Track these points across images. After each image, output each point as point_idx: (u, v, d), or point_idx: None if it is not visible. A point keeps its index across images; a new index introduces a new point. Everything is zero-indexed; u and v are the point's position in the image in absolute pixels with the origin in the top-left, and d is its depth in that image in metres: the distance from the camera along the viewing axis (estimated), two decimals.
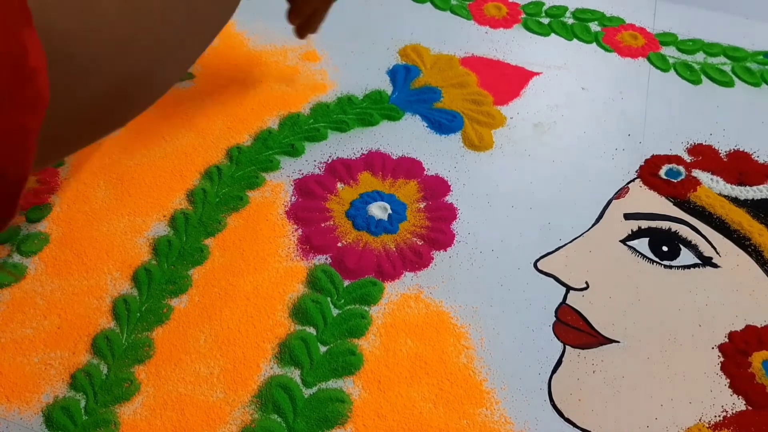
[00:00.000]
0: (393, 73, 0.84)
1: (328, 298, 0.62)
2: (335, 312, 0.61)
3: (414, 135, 0.77)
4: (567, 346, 0.59)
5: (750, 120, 0.80)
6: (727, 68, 0.87)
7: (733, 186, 0.72)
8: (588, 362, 0.59)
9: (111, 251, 0.65)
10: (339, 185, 0.71)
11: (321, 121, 0.78)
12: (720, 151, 0.76)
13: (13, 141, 0.28)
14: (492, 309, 0.62)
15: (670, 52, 0.89)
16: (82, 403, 0.54)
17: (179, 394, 0.55)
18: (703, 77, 0.86)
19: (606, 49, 0.89)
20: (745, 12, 0.96)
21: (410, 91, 0.82)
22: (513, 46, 0.90)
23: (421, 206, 0.70)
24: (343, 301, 0.62)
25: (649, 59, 0.88)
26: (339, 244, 0.66)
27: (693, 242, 0.67)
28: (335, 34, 0.89)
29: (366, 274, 0.64)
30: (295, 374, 0.57)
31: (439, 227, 0.68)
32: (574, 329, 0.60)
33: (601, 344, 0.60)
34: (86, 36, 0.31)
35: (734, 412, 0.56)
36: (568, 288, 0.63)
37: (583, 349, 0.59)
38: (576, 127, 0.79)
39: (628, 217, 0.69)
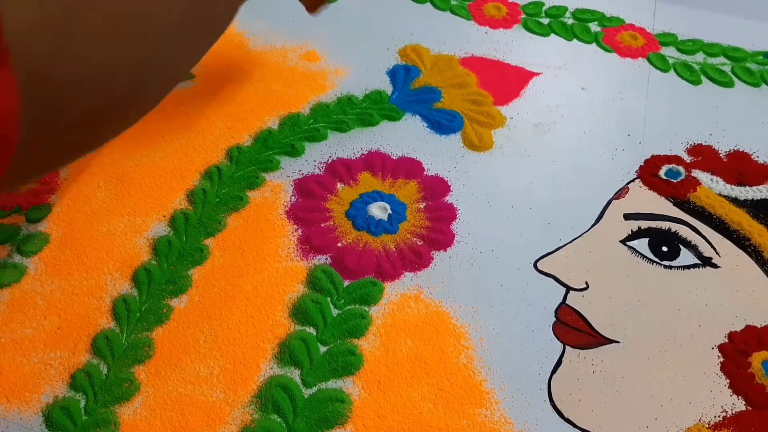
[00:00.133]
0: (393, 74, 0.84)
1: (328, 298, 0.62)
2: (335, 312, 0.61)
3: (414, 135, 0.77)
4: (567, 347, 0.59)
5: (750, 120, 0.80)
6: (727, 68, 0.87)
7: (733, 186, 0.72)
8: (588, 362, 0.59)
9: (111, 251, 0.65)
10: (339, 185, 0.71)
11: (321, 121, 0.78)
12: (720, 152, 0.76)
13: None
14: (492, 309, 0.62)
15: (669, 52, 0.89)
16: (82, 403, 0.54)
17: (179, 395, 0.55)
18: (702, 77, 0.86)
19: (606, 50, 0.90)
20: (745, 12, 0.96)
21: (410, 92, 0.82)
22: (513, 46, 0.90)
23: (421, 206, 0.70)
24: (343, 301, 0.62)
25: (648, 59, 0.88)
26: (339, 245, 0.66)
27: (693, 242, 0.67)
28: (335, 35, 0.89)
29: (366, 274, 0.64)
30: (295, 374, 0.57)
31: (439, 227, 0.68)
32: (574, 329, 0.60)
33: (601, 344, 0.60)
34: (67, 59, 0.29)
35: (734, 412, 0.56)
36: (568, 288, 0.63)
37: (583, 349, 0.59)
38: (576, 128, 0.79)
39: (627, 217, 0.69)
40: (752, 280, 0.65)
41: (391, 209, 0.68)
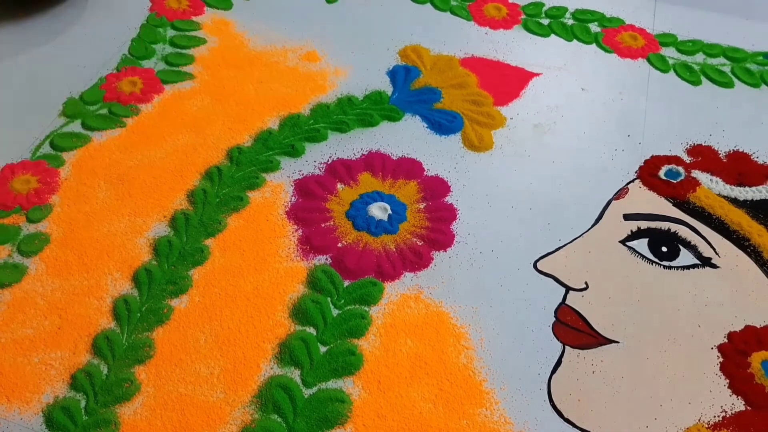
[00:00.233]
0: (393, 74, 0.84)
1: (328, 299, 0.62)
2: (335, 312, 0.61)
3: (414, 136, 0.77)
4: (566, 347, 0.60)
5: (749, 121, 0.81)
6: (727, 69, 0.87)
7: (733, 187, 0.72)
8: (587, 362, 0.59)
9: (111, 251, 0.65)
10: (339, 186, 0.71)
11: (321, 121, 0.78)
12: (719, 152, 0.76)
13: None
14: (492, 309, 0.62)
15: (669, 52, 0.89)
16: (83, 403, 0.54)
17: (179, 394, 0.55)
18: (702, 78, 0.86)
19: (606, 50, 0.90)
20: (745, 13, 0.96)
21: (410, 92, 0.82)
22: (513, 46, 0.90)
23: (421, 207, 0.70)
24: (343, 301, 0.62)
25: (648, 60, 0.88)
26: (339, 245, 0.66)
27: (692, 243, 0.67)
28: (335, 35, 0.89)
29: (366, 274, 0.64)
30: (295, 374, 0.57)
31: (439, 228, 0.68)
32: (574, 329, 0.61)
33: (601, 344, 0.60)
34: None
35: (733, 412, 0.56)
36: (568, 288, 0.63)
37: (582, 349, 0.60)
38: (576, 128, 0.79)
39: (627, 217, 0.69)
40: (752, 281, 0.65)
41: (391, 209, 0.68)
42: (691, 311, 0.62)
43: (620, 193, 0.72)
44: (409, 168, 0.73)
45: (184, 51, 0.86)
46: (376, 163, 0.74)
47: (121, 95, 0.79)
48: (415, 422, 0.54)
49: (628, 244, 0.67)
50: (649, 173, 0.73)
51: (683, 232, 0.67)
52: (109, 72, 0.82)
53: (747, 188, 0.72)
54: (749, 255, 0.66)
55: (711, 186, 0.72)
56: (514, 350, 0.59)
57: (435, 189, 0.71)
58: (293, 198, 0.70)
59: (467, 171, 0.74)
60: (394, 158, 0.74)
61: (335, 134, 0.77)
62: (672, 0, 0.97)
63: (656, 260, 0.66)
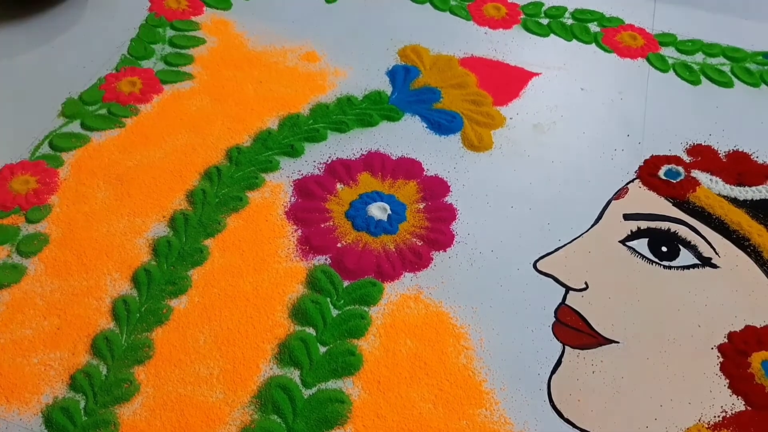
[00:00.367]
0: (392, 74, 0.84)
1: (328, 299, 0.62)
2: (335, 312, 0.61)
3: (413, 135, 0.77)
4: (566, 347, 0.60)
5: (749, 120, 0.81)
6: (727, 69, 0.87)
7: (732, 186, 0.72)
8: (587, 363, 0.59)
9: (111, 252, 0.65)
10: (338, 186, 0.71)
11: (320, 121, 0.78)
12: (719, 152, 0.76)
13: None
14: (491, 309, 0.62)
15: (669, 52, 0.89)
16: (82, 404, 0.54)
17: (179, 395, 0.55)
18: (702, 78, 0.86)
19: (605, 50, 0.90)
20: (744, 13, 0.96)
21: (410, 92, 0.82)
22: (512, 46, 0.90)
23: (421, 207, 0.70)
24: (342, 301, 0.62)
25: (648, 60, 0.88)
26: (338, 245, 0.66)
27: (692, 243, 0.67)
28: (335, 35, 0.89)
29: (365, 274, 0.64)
30: (294, 375, 0.57)
31: (439, 228, 0.68)
32: (574, 330, 0.61)
33: (601, 345, 0.60)
34: None
35: (734, 412, 0.56)
36: (568, 288, 0.63)
37: (582, 349, 0.60)
38: (575, 128, 0.79)
39: (627, 217, 0.69)
40: (752, 281, 0.65)
41: (391, 210, 0.68)
42: (691, 311, 0.62)
43: (620, 193, 0.72)
44: (409, 168, 0.73)
45: (183, 51, 0.86)
46: (375, 163, 0.73)
47: (120, 95, 0.79)
48: (414, 422, 0.54)
49: (628, 244, 0.67)
50: (648, 173, 0.73)
51: (683, 232, 0.67)
52: (109, 72, 0.82)
53: (747, 188, 0.72)
54: (749, 255, 0.66)
55: (711, 186, 0.72)
56: (514, 350, 0.59)
57: (434, 189, 0.71)
58: (293, 198, 0.70)
59: (467, 171, 0.74)
60: (394, 158, 0.74)
61: (335, 134, 0.77)
62: (672, 0, 0.97)
63: (656, 260, 0.66)
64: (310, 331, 0.60)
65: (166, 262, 0.64)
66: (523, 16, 0.94)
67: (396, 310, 0.61)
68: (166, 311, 0.60)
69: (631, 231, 0.68)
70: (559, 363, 0.58)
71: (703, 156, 0.75)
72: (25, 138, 0.74)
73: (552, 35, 0.91)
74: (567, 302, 0.62)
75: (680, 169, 0.74)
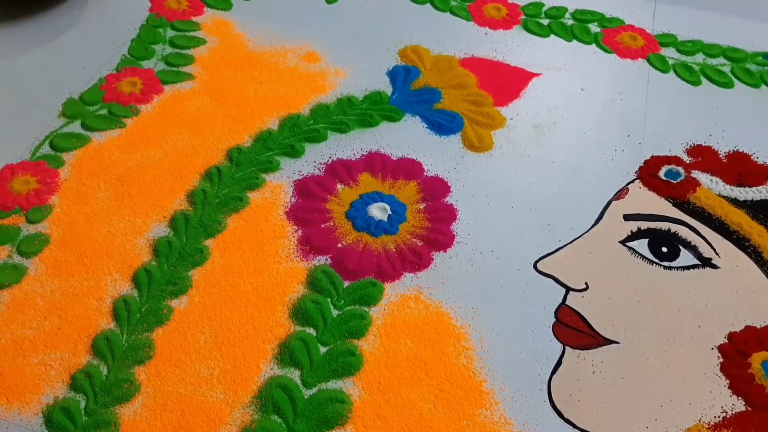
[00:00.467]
0: (393, 74, 0.84)
1: (328, 299, 0.62)
2: (335, 313, 0.61)
3: (414, 136, 0.77)
4: (567, 347, 0.60)
5: (749, 121, 0.81)
6: (727, 69, 0.87)
7: (733, 187, 0.72)
8: (588, 363, 0.59)
9: (111, 252, 0.65)
10: (339, 186, 0.71)
11: (321, 122, 0.78)
12: (719, 152, 0.76)
13: None
14: (492, 310, 0.62)
15: (669, 53, 0.89)
16: (82, 404, 0.54)
17: (179, 395, 0.55)
18: (702, 78, 0.86)
19: (605, 50, 0.90)
20: (744, 13, 0.96)
21: (410, 92, 0.82)
22: (513, 47, 0.90)
23: (421, 207, 0.70)
24: (343, 302, 0.62)
25: (648, 60, 0.88)
26: (339, 245, 0.66)
27: (692, 243, 0.67)
28: (335, 36, 0.89)
29: (366, 275, 0.64)
30: (295, 375, 0.57)
31: (439, 228, 0.68)
32: (574, 330, 0.61)
33: (601, 345, 0.60)
34: None
35: (734, 412, 0.56)
36: (568, 289, 0.63)
37: (582, 349, 0.60)
38: (575, 128, 0.79)
39: (627, 218, 0.69)
40: (752, 281, 0.65)
41: (391, 210, 0.68)
42: (691, 311, 0.62)
43: (620, 194, 0.72)
44: (409, 168, 0.73)
45: (183, 51, 0.86)
46: (375, 163, 0.74)
47: (120, 96, 0.79)
48: (415, 423, 0.54)
49: (628, 244, 0.67)
50: (649, 173, 0.73)
51: (683, 232, 0.67)
52: (109, 72, 0.82)
53: (747, 188, 0.72)
54: (749, 255, 0.66)
55: (711, 186, 0.72)
56: (514, 350, 0.59)
57: (435, 189, 0.71)
58: (293, 198, 0.70)
59: (467, 171, 0.74)
60: (394, 159, 0.74)
61: (335, 135, 0.77)
62: (672, 0, 0.97)
63: (656, 261, 0.66)
64: (311, 331, 0.60)
65: (166, 262, 0.64)
66: (523, 17, 0.94)
67: (396, 310, 0.61)
68: (166, 311, 0.60)
69: (632, 231, 0.68)
70: (559, 363, 0.58)
71: (703, 156, 0.75)
72: (25, 138, 0.74)
73: (552, 36, 0.91)
74: (567, 302, 0.62)
75: (680, 169, 0.74)
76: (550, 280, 0.64)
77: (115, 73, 0.82)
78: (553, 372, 0.58)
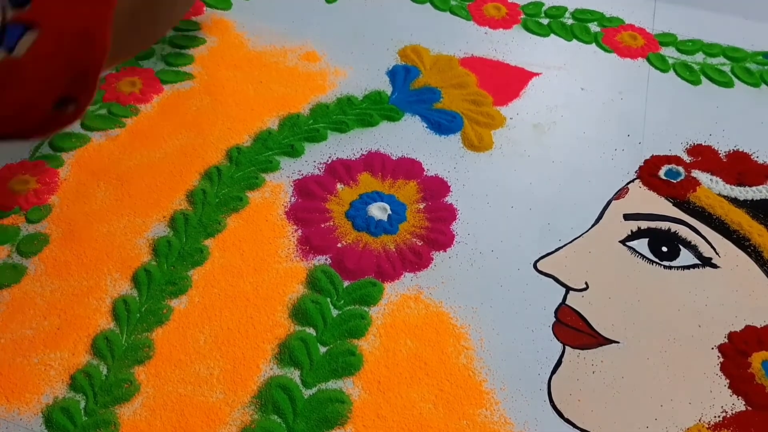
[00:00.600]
0: (393, 74, 0.84)
1: (328, 299, 0.62)
2: (335, 313, 0.61)
3: (414, 135, 0.77)
4: (567, 347, 0.60)
5: (749, 120, 0.81)
6: (727, 69, 0.87)
7: (733, 186, 0.72)
8: (588, 363, 0.59)
9: (111, 252, 0.65)
10: (339, 186, 0.71)
11: (321, 121, 0.78)
12: (719, 152, 0.76)
13: (98, 20, 0.51)
14: (492, 309, 0.62)
15: (669, 52, 0.89)
16: (82, 404, 0.54)
17: (179, 395, 0.55)
18: (702, 78, 0.86)
19: (605, 50, 0.90)
20: (744, 12, 0.96)
21: (410, 92, 0.82)
22: (512, 46, 0.90)
23: (421, 207, 0.70)
24: (342, 301, 0.62)
25: (648, 60, 0.88)
26: (339, 245, 0.66)
27: (692, 243, 0.67)
28: (335, 35, 0.89)
29: (366, 274, 0.64)
30: (294, 375, 0.57)
31: (439, 228, 0.68)
32: (574, 330, 0.61)
33: (601, 345, 0.60)
34: None
35: (734, 412, 0.56)
36: (568, 288, 0.63)
37: (582, 349, 0.60)
38: (575, 128, 0.79)
39: (627, 217, 0.69)
40: (752, 281, 0.65)
41: (391, 210, 0.68)
42: (691, 311, 0.62)
43: (620, 193, 0.72)
44: (409, 168, 0.73)
45: (183, 51, 0.86)
46: (375, 163, 0.73)
47: (120, 95, 0.79)
48: (415, 423, 0.54)
49: (628, 244, 0.67)
50: (649, 173, 0.73)
51: (683, 232, 0.67)
52: (108, 72, 0.82)
53: (747, 188, 0.72)
54: (749, 255, 0.66)
55: (711, 186, 0.72)
56: (514, 350, 0.59)
57: (435, 189, 0.71)
58: (293, 198, 0.70)
59: (467, 171, 0.74)
60: (394, 158, 0.74)
61: (335, 134, 0.77)
62: (672, 0, 0.97)
63: (656, 260, 0.66)
64: (311, 331, 0.60)
65: (166, 262, 0.64)
66: (523, 16, 0.94)
67: (396, 310, 0.61)
68: (166, 311, 0.60)
69: (632, 231, 0.68)
70: (559, 363, 0.58)
71: (703, 156, 0.75)
72: None
73: (552, 35, 0.91)
74: (567, 302, 0.62)
75: (680, 169, 0.74)
76: (550, 279, 0.64)
77: (114, 72, 0.82)
78: (553, 372, 0.58)
